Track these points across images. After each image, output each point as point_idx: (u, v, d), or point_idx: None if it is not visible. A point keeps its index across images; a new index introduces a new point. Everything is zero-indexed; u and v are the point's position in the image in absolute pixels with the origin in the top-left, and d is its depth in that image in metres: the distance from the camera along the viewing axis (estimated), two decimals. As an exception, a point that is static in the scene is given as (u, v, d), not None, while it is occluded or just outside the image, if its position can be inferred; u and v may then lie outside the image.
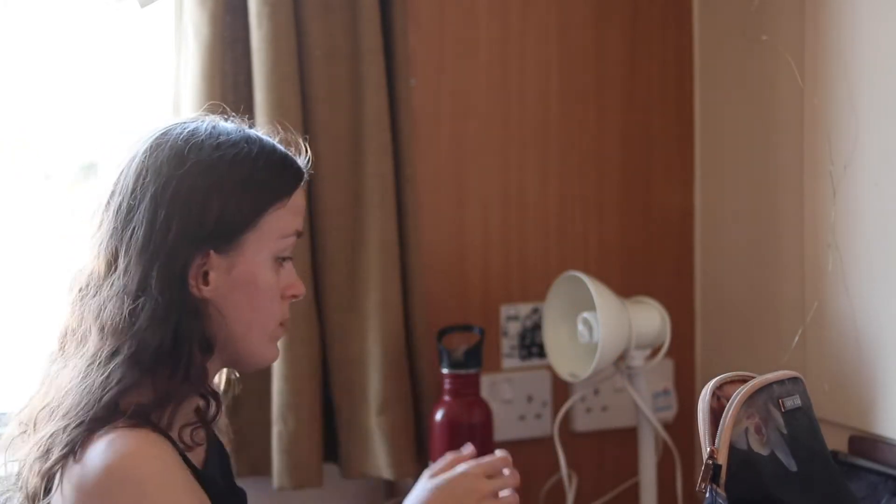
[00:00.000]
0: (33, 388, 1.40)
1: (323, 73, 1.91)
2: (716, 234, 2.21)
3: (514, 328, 2.14)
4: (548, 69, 2.15)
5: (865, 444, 1.79)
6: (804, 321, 1.92)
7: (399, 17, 1.96)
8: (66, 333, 1.37)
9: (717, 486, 1.29)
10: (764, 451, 1.31)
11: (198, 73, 1.85)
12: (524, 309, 2.15)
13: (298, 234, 1.42)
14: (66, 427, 1.29)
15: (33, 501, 1.32)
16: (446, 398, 1.94)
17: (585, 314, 1.93)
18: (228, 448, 1.56)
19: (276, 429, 1.91)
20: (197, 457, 1.39)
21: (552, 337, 2.03)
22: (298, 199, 1.41)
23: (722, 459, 1.29)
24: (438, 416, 1.93)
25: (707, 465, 1.29)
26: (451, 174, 2.10)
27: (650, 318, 1.96)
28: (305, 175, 1.42)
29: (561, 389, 2.16)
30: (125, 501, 1.25)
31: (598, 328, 1.90)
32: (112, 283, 1.32)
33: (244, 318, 1.36)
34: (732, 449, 1.29)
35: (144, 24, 2.00)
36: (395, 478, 1.96)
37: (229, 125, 1.40)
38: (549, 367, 2.07)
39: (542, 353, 2.11)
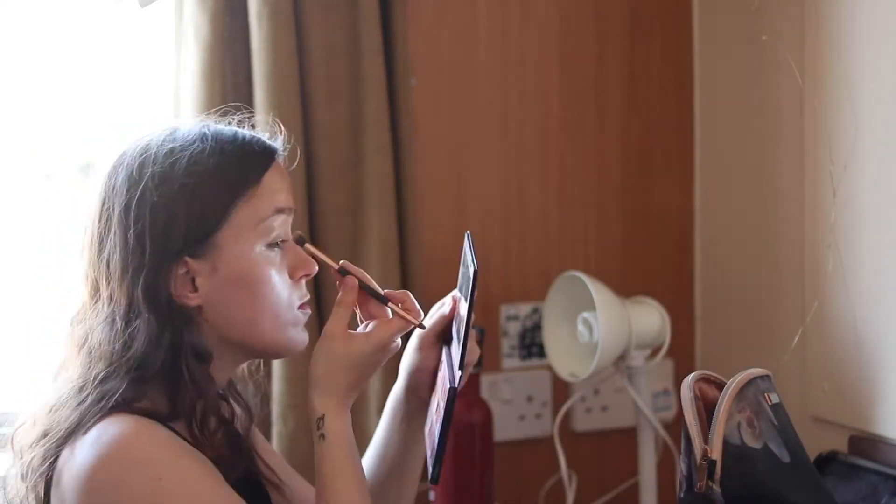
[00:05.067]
0: (22, 417, 1.38)
1: (323, 73, 1.91)
2: (716, 234, 2.21)
3: (514, 328, 2.14)
4: (548, 69, 2.15)
5: (865, 444, 1.79)
6: (804, 321, 1.92)
7: (399, 17, 1.96)
8: (61, 363, 1.36)
9: (713, 481, 1.29)
10: (757, 445, 1.31)
11: (198, 73, 1.86)
12: (524, 309, 2.15)
13: (283, 211, 1.34)
14: (54, 437, 1.28)
15: None
16: (446, 398, 1.94)
17: (585, 314, 1.93)
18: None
19: (275, 429, 1.91)
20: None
21: (552, 337, 2.03)
22: (272, 178, 1.34)
23: (716, 455, 1.29)
24: (438, 416, 1.93)
25: (702, 465, 1.29)
26: (451, 174, 2.10)
27: (650, 318, 1.96)
28: (278, 153, 1.37)
29: (561, 389, 2.16)
30: (139, 473, 1.22)
31: (598, 328, 1.90)
32: (97, 311, 1.31)
33: (247, 315, 1.32)
34: (726, 444, 1.30)
35: (144, 24, 2.00)
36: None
37: (187, 127, 1.35)
38: (549, 367, 2.07)
39: (542, 353, 2.11)
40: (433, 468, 1.35)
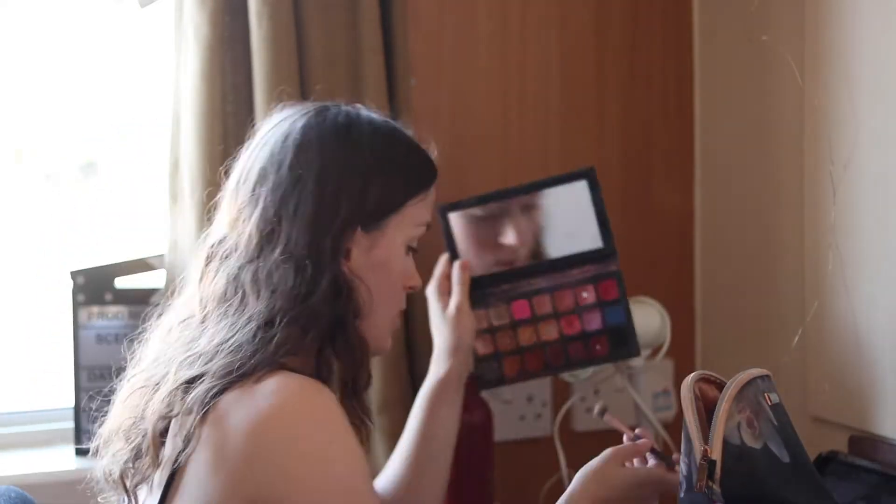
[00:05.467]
0: (148, 350, 1.39)
1: (323, 73, 1.91)
2: (716, 234, 2.21)
3: (514, 328, 2.14)
4: (548, 69, 2.15)
5: (865, 444, 1.79)
6: (804, 321, 1.92)
7: (399, 17, 1.96)
8: (205, 299, 1.36)
9: (712, 481, 1.29)
10: (757, 445, 1.31)
11: (198, 73, 1.85)
12: (524, 309, 2.14)
13: (428, 226, 1.46)
14: (220, 373, 1.28)
15: (156, 452, 1.30)
16: (446, 398, 1.94)
17: (586, 314, 1.93)
18: None
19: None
20: None
21: (552, 337, 2.03)
22: (432, 193, 1.46)
23: (716, 455, 1.29)
24: (438, 415, 1.92)
25: (702, 465, 1.29)
26: (451, 174, 2.10)
27: (650, 318, 1.96)
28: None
29: (561, 389, 2.16)
30: (314, 430, 1.26)
31: (597, 328, 1.90)
32: (273, 252, 1.33)
33: (371, 301, 1.39)
34: (726, 444, 1.29)
35: (144, 24, 2.00)
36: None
37: (367, 112, 1.44)
38: (549, 367, 2.07)
39: (542, 353, 2.11)
40: (633, 344, 1.76)
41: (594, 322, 1.76)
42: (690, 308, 2.26)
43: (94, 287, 1.93)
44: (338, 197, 1.35)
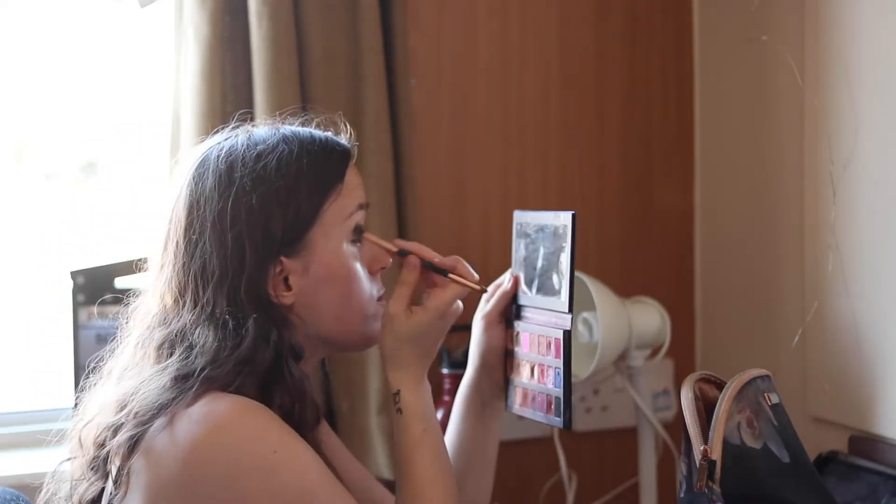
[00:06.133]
0: (81, 408, 1.40)
1: (323, 73, 1.91)
2: (716, 234, 2.21)
3: (514, 328, 2.14)
4: (548, 69, 2.15)
5: (865, 444, 1.79)
6: (804, 321, 1.92)
7: (399, 17, 1.96)
8: (125, 366, 1.36)
9: (712, 481, 1.29)
10: (756, 445, 1.31)
11: (198, 73, 1.85)
12: (524, 309, 2.14)
13: (363, 207, 1.40)
14: (138, 418, 1.27)
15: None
16: (446, 398, 1.94)
17: (585, 314, 1.93)
18: None
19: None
20: None
21: (552, 337, 2.02)
22: (352, 175, 1.39)
23: (716, 455, 1.29)
24: (438, 416, 1.92)
25: (702, 465, 1.29)
26: (451, 174, 2.10)
27: (650, 318, 1.96)
28: (352, 152, 1.41)
29: (561, 389, 2.16)
30: (254, 444, 1.24)
31: (598, 328, 1.90)
32: (183, 315, 1.32)
33: (337, 310, 1.37)
34: (726, 444, 1.30)
35: (144, 24, 2.00)
36: (394, 477, 1.96)
37: (263, 130, 1.39)
38: (549, 367, 2.07)
39: (542, 353, 2.10)
40: (564, 414, 1.43)
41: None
42: (690, 308, 2.26)
43: (94, 287, 1.93)
44: (240, 245, 1.31)
